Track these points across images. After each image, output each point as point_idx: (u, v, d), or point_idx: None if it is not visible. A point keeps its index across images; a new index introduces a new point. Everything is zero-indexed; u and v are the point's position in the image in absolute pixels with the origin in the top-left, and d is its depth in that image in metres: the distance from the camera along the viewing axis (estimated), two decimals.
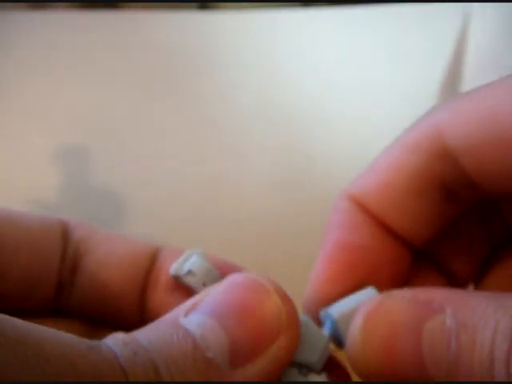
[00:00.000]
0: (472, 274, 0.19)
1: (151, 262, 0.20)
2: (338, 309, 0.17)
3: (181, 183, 0.52)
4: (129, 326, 0.19)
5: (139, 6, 0.55)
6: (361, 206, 0.19)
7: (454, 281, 0.19)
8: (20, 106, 0.52)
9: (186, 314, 0.15)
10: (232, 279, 0.16)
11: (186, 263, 0.19)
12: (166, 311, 0.16)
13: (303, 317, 0.17)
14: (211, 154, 0.53)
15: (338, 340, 0.17)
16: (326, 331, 0.17)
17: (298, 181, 0.54)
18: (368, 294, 0.17)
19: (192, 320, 0.15)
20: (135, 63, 0.53)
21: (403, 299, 0.15)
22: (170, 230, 0.51)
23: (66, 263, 0.20)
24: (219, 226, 0.52)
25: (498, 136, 0.16)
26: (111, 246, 0.20)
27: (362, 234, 0.18)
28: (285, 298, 0.15)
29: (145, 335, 0.14)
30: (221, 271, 0.20)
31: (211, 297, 0.15)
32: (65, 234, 0.20)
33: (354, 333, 0.15)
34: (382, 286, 0.17)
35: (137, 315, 0.20)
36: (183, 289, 0.19)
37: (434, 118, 0.18)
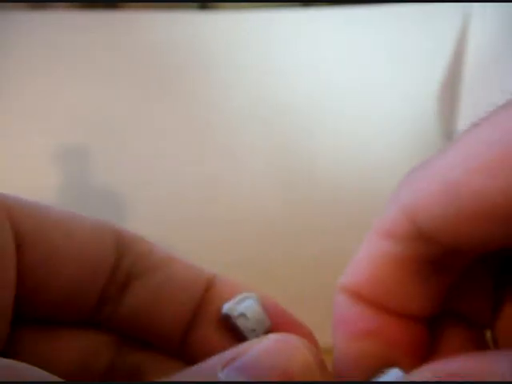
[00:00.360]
0: (488, 318, 0.19)
1: (205, 291, 0.20)
2: None
3: (180, 183, 0.52)
4: (164, 349, 0.19)
5: (139, 6, 0.55)
6: (358, 297, 0.19)
7: (476, 326, 0.19)
8: (20, 105, 0.52)
9: (224, 367, 0.15)
10: (273, 339, 0.16)
11: (241, 305, 0.19)
12: (207, 347, 0.17)
13: None
14: (211, 154, 0.53)
15: None
16: None
17: (296, 181, 0.54)
18: (395, 377, 0.17)
19: (229, 377, 0.15)
20: (135, 63, 0.53)
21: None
22: (169, 229, 0.51)
23: (117, 279, 0.19)
24: (218, 225, 0.52)
25: (462, 211, 0.16)
26: (170, 271, 0.19)
27: (367, 322, 0.19)
28: (321, 364, 0.16)
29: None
30: (272, 315, 0.20)
31: (251, 355, 0.15)
32: (120, 246, 0.19)
33: None
34: (404, 365, 0.17)
35: (177, 342, 0.20)
36: (230, 328, 0.19)
37: (402, 202, 0.18)
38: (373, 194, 0.54)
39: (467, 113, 0.56)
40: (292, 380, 0.15)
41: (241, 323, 0.19)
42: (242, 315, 0.19)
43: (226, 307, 0.19)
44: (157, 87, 0.53)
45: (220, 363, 0.15)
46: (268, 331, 0.19)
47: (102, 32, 0.53)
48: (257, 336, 0.19)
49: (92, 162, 0.52)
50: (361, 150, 0.55)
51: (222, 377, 0.15)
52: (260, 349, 0.15)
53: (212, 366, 0.15)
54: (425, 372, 0.15)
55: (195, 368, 0.16)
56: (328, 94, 0.55)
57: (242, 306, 0.19)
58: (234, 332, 0.19)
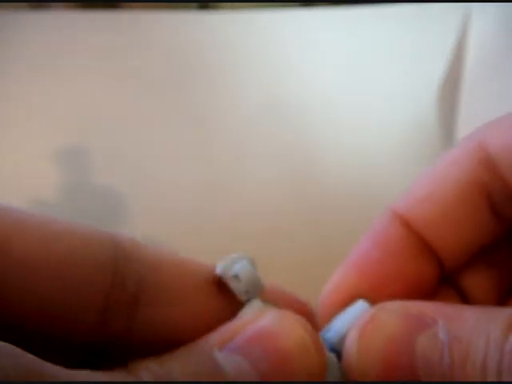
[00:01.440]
0: (491, 302, 0.19)
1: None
2: (335, 332, 0.17)
3: (181, 183, 0.52)
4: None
5: (139, 6, 0.55)
6: (402, 220, 0.18)
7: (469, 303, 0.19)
8: (20, 106, 0.53)
9: (221, 347, 0.15)
10: (268, 318, 0.16)
11: (234, 267, 0.19)
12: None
13: (331, 355, 0.17)
14: (212, 153, 0.53)
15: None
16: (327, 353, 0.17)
17: (298, 181, 0.54)
18: (360, 308, 0.17)
19: (226, 357, 0.15)
20: (135, 63, 0.53)
21: (395, 312, 0.15)
22: (170, 229, 0.51)
23: (123, 293, 0.16)
24: (219, 225, 0.52)
25: None
26: (180, 283, 0.17)
27: (392, 248, 0.18)
28: (316, 342, 0.16)
29: (179, 367, 0.14)
30: (268, 293, 0.19)
31: (247, 335, 0.15)
32: (120, 259, 0.17)
33: (349, 347, 0.16)
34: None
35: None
36: (221, 289, 0.19)
37: (477, 134, 0.18)
38: (374, 191, 0.54)
39: (467, 113, 0.56)
40: (288, 359, 0.15)
41: (234, 285, 0.19)
42: (236, 277, 0.19)
43: (220, 268, 0.19)
44: (157, 87, 0.53)
45: (216, 343, 0.15)
46: (261, 293, 0.18)
47: (101, 32, 0.53)
48: (249, 298, 0.18)
49: (92, 162, 0.52)
50: (359, 150, 0.55)
51: (218, 357, 0.15)
52: (255, 328, 0.15)
53: (209, 345, 0.15)
54: (397, 306, 0.16)
55: (191, 346, 0.15)
56: (327, 94, 0.55)
57: (236, 267, 0.19)
58: (226, 293, 0.19)
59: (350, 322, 0.17)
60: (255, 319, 0.16)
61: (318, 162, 0.55)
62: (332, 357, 0.17)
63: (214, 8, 0.56)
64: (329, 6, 0.57)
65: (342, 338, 0.17)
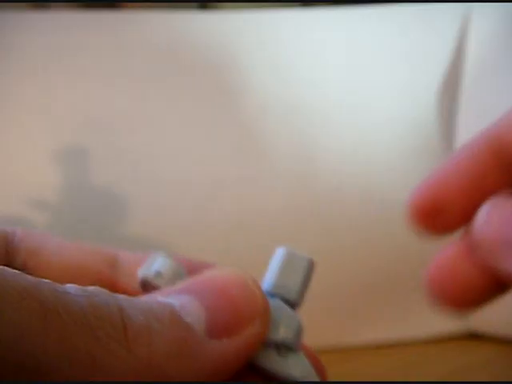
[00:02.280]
0: None
1: (112, 270, 0.20)
2: (267, 283, 0.19)
3: (182, 183, 0.52)
4: None
5: (139, 6, 0.55)
6: (493, 148, 0.18)
7: None
8: (20, 106, 0.53)
9: (166, 296, 0.16)
10: (210, 269, 0.17)
11: (154, 265, 0.19)
12: None
13: (274, 299, 0.18)
14: (212, 154, 0.54)
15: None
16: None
17: (297, 180, 0.54)
18: (281, 255, 0.19)
19: (171, 298, 0.16)
20: (136, 63, 0.53)
21: None
22: (170, 230, 0.51)
23: None
24: (220, 226, 0.52)
25: None
26: (64, 258, 0.20)
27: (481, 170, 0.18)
28: (259, 287, 0.17)
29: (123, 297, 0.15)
30: (189, 269, 0.20)
31: (189, 282, 0.16)
32: (10, 248, 0.19)
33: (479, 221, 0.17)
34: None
35: None
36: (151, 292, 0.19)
37: None
38: (373, 190, 0.54)
39: (467, 113, 0.56)
40: (234, 297, 0.16)
41: (159, 282, 0.19)
42: (158, 274, 0.19)
43: (141, 272, 0.19)
44: (157, 87, 0.53)
45: (158, 294, 0.16)
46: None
47: (102, 32, 0.53)
48: None
49: (92, 162, 0.52)
50: (358, 150, 0.55)
51: (163, 299, 0.16)
52: (196, 278, 0.16)
53: (150, 296, 0.16)
54: None
55: (146, 297, 0.16)
56: (327, 95, 0.56)
57: (155, 265, 0.19)
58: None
59: (276, 270, 0.18)
60: (205, 272, 0.17)
61: (317, 161, 0.55)
62: (284, 306, 0.18)
63: (214, 8, 0.56)
64: (328, 6, 0.57)
65: (276, 286, 0.18)
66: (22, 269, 0.19)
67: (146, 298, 0.16)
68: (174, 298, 0.16)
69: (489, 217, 0.17)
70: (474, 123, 0.55)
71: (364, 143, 0.55)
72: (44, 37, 0.53)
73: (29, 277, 0.14)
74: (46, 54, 0.53)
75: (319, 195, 0.54)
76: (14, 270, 0.14)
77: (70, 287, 0.14)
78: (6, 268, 0.14)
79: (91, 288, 0.15)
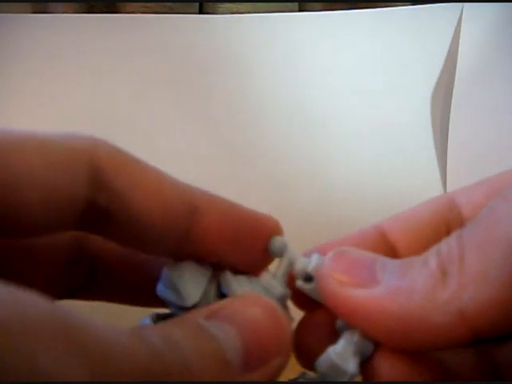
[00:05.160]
0: None
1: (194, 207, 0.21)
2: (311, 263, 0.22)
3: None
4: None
5: (140, 9, 0.55)
6: (380, 230, 0.23)
7: None
8: (22, 108, 0.53)
9: (207, 319, 0.17)
10: (254, 297, 0.19)
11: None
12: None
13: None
14: (212, 154, 0.54)
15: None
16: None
17: (296, 181, 0.55)
18: (317, 257, 0.22)
19: (213, 324, 0.17)
20: (136, 66, 0.54)
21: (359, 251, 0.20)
22: None
23: (96, 207, 0.18)
24: None
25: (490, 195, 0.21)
26: (161, 200, 0.20)
27: (367, 243, 0.23)
28: (288, 320, 0.19)
29: (176, 332, 0.16)
30: (250, 221, 0.22)
31: (232, 307, 0.18)
32: (97, 172, 0.19)
33: (327, 258, 0.20)
34: None
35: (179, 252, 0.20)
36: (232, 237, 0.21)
37: (448, 193, 0.23)
38: (367, 193, 0.54)
39: (459, 116, 0.56)
40: (267, 329, 0.17)
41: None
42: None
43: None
44: (158, 90, 0.54)
45: (201, 316, 0.17)
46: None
47: (102, 35, 0.53)
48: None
49: None
50: (358, 150, 0.56)
51: (206, 325, 0.17)
52: (239, 303, 0.18)
53: (193, 317, 0.17)
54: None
55: (176, 320, 0.17)
56: (326, 95, 0.56)
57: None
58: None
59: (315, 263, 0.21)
60: (239, 300, 0.19)
61: (315, 162, 0.55)
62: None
63: (213, 12, 0.57)
64: (325, 9, 0.58)
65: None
66: (107, 206, 0.18)
67: (189, 321, 0.17)
68: (216, 326, 0.17)
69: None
70: (466, 126, 0.56)
71: (357, 146, 0.56)
72: (45, 40, 0.53)
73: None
74: (46, 57, 0.53)
75: (317, 197, 0.55)
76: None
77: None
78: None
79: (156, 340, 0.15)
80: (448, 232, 0.22)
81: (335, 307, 0.19)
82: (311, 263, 0.21)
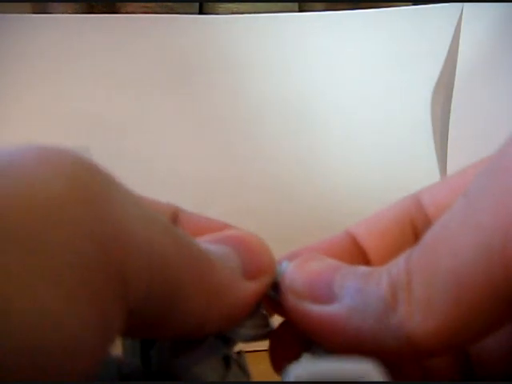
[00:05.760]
0: None
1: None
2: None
3: (183, 183, 0.53)
4: None
5: (140, 9, 0.55)
6: (352, 238, 0.24)
7: None
8: (21, 107, 0.53)
9: (207, 243, 0.20)
10: (238, 229, 0.22)
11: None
12: None
13: None
14: (212, 155, 0.54)
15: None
16: None
17: (295, 181, 0.55)
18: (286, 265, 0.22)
19: (213, 246, 0.20)
20: (136, 66, 0.54)
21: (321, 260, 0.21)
22: None
23: None
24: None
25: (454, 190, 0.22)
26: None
27: (336, 247, 0.24)
28: (270, 251, 0.21)
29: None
30: (208, 227, 0.23)
31: (223, 236, 0.20)
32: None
33: (289, 268, 0.21)
34: None
35: None
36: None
37: (415, 193, 0.24)
38: (367, 193, 0.54)
39: (459, 115, 0.56)
40: (258, 251, 0.21)
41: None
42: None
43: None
44: (157, 90, 0.54)
45: (203, 241, 0.20)
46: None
47: (102, 35, 0.53)
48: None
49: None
50: (357, 151, 0.56)
51: (209, 246, 0.19)
52: (230, 233, 0.21)
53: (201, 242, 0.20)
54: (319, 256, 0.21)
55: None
56: (326, 96, 0.56)
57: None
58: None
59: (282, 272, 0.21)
60: (223, 231, 0.21)
61: (313, 162, 0.55)
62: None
63: (213, 12, 0.57)
64: (324, 10, 0.58)
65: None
66: None
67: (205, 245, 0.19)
68: (217, 247, 0.20)
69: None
70: (466, 126, 0.56)
71: (357, 145, 0.56)
72: (45, 40, 0.53)
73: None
74: (46, 57, 0.53)
75: (314, 196, 0.55)
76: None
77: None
78: None
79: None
80: (414, 233, 0.23)
81: (294, 321, 0.20)
82: (279, 272, 0.21)
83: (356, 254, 0.23)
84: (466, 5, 0.57)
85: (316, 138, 0.56)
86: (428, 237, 0.18)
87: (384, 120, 0.56)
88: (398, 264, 0.18)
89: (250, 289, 0.19)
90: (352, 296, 0.18)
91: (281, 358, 0.21)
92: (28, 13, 0.55)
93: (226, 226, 0.23)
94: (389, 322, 0.18)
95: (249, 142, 0.55)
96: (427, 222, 0.23)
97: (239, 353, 0.21)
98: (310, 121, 0.56)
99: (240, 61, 0.55)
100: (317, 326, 0.19)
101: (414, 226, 0.23)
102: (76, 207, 0.14)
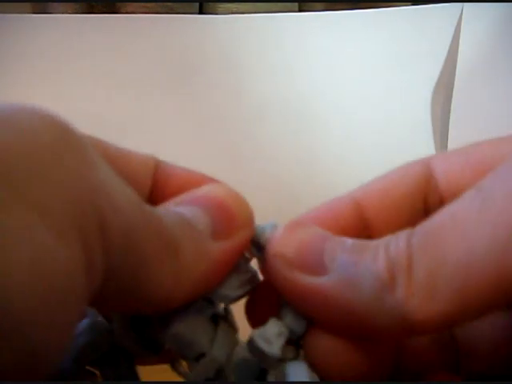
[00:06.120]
0: None
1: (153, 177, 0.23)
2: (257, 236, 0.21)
3: None
4: None
5: (140, 9, 0.56)
6: (355, 203, 0.23)
7: None
8: None
9: (177, 206, 0.20)
10: (214, 184, 0.21)
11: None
12: None
13: None
14: (212, 155, 0.54)
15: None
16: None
17: (294, 181, 0.55)
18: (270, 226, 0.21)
19: (182, 208, 0.19)
20: (136, 66, 0.54)
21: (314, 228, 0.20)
22: None
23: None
24: None
25: (471, 168, 0.22)
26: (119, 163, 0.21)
27: (340, 218, 0.23)
28: (247, 202, 0.21)
29: (163, 215, 0.18)
30: (190, 180, 0.23)
31: (195, 194, 0.20)
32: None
33: (278, 232, 0.20)
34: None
35: None
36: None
37: (427, 158, 0.23)
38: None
39: (459, 114, 0.56)
40: (229, 206, 0.20)
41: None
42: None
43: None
44: (157, 90, 0.54)
45: (172, 204, 0.20)
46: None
47: (102, 35, 0.53)
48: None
49: None
50: (356, 152, 0.56)
51: (178, 209, 0.19)
52: (202, 190, 0.20)
53: (166, 206, 0.20)
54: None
55: (153, 209, 0.19)
56: (325, 96, 0.56)
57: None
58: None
59: (270, 229, 0.21)
60: (197, 189, 0.20)
61: (313, 163, 0.56)
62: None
63: (212, 12, 0.57)
64: (324, 10, 0.58)
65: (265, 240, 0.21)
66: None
67: (164, 208, 0.19)
68: (186, 209, 0.19)
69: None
70: (466, 126, 0.56)
71: (357, 145, 0.56)
72: (45, 40, 0.53)
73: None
74: (46, 57, 0.53)
75: (314, 196, 0.55)
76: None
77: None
78: None
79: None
80: (426, 207, 0.23)
81: (279, 288, 0.20)
82: (264, 232, 0.21)
83: (359, 224, 0.22)
84: (466, 5, 0.57)
85: (316, 138, 0.56)
86: (435, 224, 0.18)
87: (384, 120, 0.57)
88: (398, 242, 0.18)
89: (220, 249, 0.19)
90: (345, 269, 0.18)
91: (257, 314, 0.21)
92: (28, 13, 0.55)
93: (204, 179, 0.23)
94: (384, 301, 0.18)
95: (249, 141, 0.55)
96: (438, 197, 0.22)
97: (226, 308, 0.21)
98: (310, 121, 0.56)
99: (240, 61, 0.55)
100: (305, 296, 0.19)
101: (425, 201, 0.23)
102: (67, 155, 0.15)
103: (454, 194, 0.20)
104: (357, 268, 0.18)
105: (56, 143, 0.15)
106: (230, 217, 0.20)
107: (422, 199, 0.23)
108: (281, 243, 0.20)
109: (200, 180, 0.22)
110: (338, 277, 0.18)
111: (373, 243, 0.19)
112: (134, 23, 0.54)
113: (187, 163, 0.57)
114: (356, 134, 0.56)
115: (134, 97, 0.54)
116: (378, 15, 0.57)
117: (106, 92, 0.53)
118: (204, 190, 0.20)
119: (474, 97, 0.56)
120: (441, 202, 0.22)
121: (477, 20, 0.57)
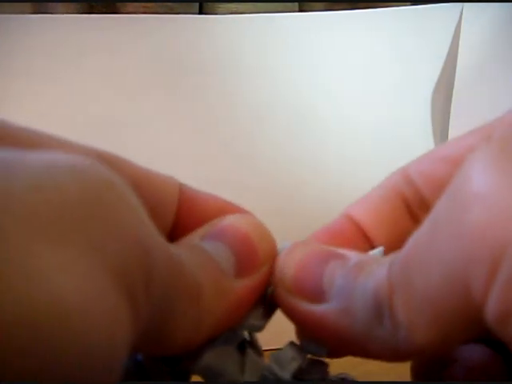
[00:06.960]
0: None
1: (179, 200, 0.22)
2: None
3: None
4: None
5: (140, 9, 0.56)
6: (350, 219, 0.24)
7: None
8: (20, 107, 0.53)
9: (201, 240, 0.19)
10: (238, 215, 0.21)
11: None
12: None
13: None
14: (212, 155, 0.54)
15: None
16: None
17: (293, 181, 0.55)
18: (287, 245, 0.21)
19: (207, 243, 0.19)
20: (136, 66, 0.54)
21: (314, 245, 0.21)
22: None
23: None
24: None
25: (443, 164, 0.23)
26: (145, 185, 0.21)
27: (342, 236, 0.23)
28: (271, 234, 0.21)
29: (183, 252, 0.18)
30: (211, 206, 0.23)
31: (217, 227, 0.20)
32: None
33: (277, 260, 0.20)
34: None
35: None
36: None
37: (404, 166, 0.25)
38: (365, 192, 0.54)
39: (459, 116, 0.56)
40: (252, 240, 0.20)
41: None
42: None
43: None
44: (157, 90, 0.54)
45: (196, 238, 0.19)
46: None
47: (102, 35, 0.53)
48: None
49: None
50: (356, 152, 0.56)
51: (201, 244, 0.19)
52: (226, 222, 0.20)
53: (189, 240, 0.19)
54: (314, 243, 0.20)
55: (176, 243, 0.19)
56: (325, 96, 0.56)
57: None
58: None
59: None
60: (221, 219, 0.20)
61: (313, 164, 0.56)
62: None
63: (212, 12, 0.57)
64: (325, 9, 0.58)
65: None
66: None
67: (188, 245, 0.19)
68: (210, 245, 0.19)
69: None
70: (466, 126, 0.56)
71: (357, 145, 0.56)
72: (45, 40, 0.53)
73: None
74: (46, 57, 0.53)
75: (314, 196, 0.55)
76: None
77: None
78: None
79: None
80: (408, 209, 0.24)
81: (284, 313, 0.20)
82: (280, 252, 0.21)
83: (358, 235, 0.23)
84: (466, 5, 0.57)
85: (316, 138, 0.56)
86: (406, 253, 0.18)
87: (384, 120, 0.57)
88: (383, 270, 0.18)
89: (242, 287, 0.19)
90: (341, 297, 0.18)
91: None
92: (28, 13, 0.55)
93: (229, 206, 0.23)
94: (374, 333, 0.18)
95: (249, 142, 0.55)
96: (417, 194, 0.24)
97: (250, 334, 0.21)
98: (310, 121, 0.56)
99: (240, 61, 0.55)
100: (306, 323, 0.19)
101: (404, 200, 0.24)
102: (112, 208, 0.14)
103: (432, 190, 0.22)
104: (351, 297, 0.18)
105: (107, 195, 0.15)
106: (253, 253, 0.20)
107: (401, 200, 0.24)
108: (280, 269, 0.20)
109: (224, 207, 0.22)
110: (336, 305, 0.18)
111: (367, 264, 0.19)
112: (133, 23, 0.54)
113: (187, 163, 0.58)
114: (356, 134, 0.56)
115: (134, 97, 0.54)
116: (378, 15, 0.57)
117: (106, 92, 0.53)
118: (228, 221, 0.20)
119: (474, 97, 0.56)
120: (422, 202, 0.23)
121: (477, 20, 0.57)
